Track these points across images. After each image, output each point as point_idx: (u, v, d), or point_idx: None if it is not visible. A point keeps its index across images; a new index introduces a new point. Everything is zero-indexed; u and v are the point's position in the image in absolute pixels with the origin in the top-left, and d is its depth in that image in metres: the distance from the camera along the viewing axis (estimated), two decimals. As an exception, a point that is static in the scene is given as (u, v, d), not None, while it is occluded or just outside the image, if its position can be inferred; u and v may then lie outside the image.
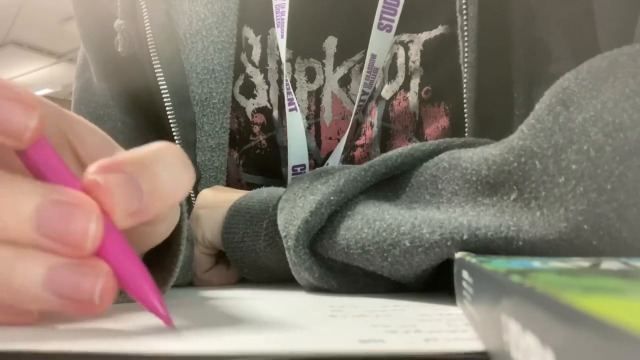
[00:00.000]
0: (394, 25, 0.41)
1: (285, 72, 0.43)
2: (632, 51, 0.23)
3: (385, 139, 0.42)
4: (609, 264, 0.16)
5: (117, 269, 0.17)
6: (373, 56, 0.41)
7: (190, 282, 0.37)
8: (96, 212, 0.16)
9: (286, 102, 0.43)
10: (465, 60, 0.36)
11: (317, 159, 0.44)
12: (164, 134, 0.43)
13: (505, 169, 0.23)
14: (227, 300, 0.27)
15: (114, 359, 0.15)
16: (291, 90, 0.43)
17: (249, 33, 0.45)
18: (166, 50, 0.42)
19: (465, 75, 0.37)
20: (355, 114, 0.42)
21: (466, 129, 0.37)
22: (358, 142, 0.43)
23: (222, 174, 0.45)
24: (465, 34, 0.36)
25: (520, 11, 0.37)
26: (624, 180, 0.20)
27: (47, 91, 4.58)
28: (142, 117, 0.47)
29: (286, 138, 0.44)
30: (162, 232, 0.24)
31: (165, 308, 0.18)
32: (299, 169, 0.43)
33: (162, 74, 0.42)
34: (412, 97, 0.40)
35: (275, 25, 0.43)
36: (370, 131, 0.42)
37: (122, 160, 0.17)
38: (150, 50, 0.42)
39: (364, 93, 0.42)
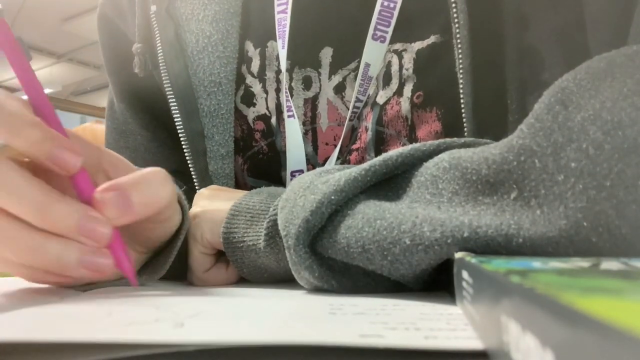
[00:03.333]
0: (388, 36, 0.43)
1: (284, 81, 0.45)
2: (629, 52, 0.23)
3: (380, 144, 0.43)
4: (608, 264, 0.16)
5: (112, 249, 0.28)
6: (367, 65, 0.43)
7: (184, 278, 0.38)
8: (110, 223, 0.27)
9: (284, 109, 0.45)
10: (460, 66, 0.37)
11: (315, 164, 0.45)
12: (177, 143, 0.47)
13: (505, 168, 0.23)
14: (227, 298, 0.27)
15: (117, 347, 0.15)
16: (290, 98, 0.45)
17: (249, 46, 0.48)
18: (174, 67, 0.46)
19: (461, 80, 0.37)
20: (350, 120, 0.44)
21: (465, 133, 0.38)
22: (354, 147, 0.44)
23: (232, 180, 0.47)
24: (459, 41, 0.37)
25: (513, 20, 0.37)
26: (622, 177, 0.20)
27: (47, 91, 4.58)
28: (159, 130, 0.53)
29: (284, 144, 0.45)
30: (170, 228, 0.34)
31: (133, 272, 0.29)
32: (297, 174, 0.45)
33: (170, 89, 0.46)
34: (405, 102, 0.42)
35: (277, 37, 0.46)
36: (365, 135, 0.43)
37: (119, 181, 0.28)
38: (161, 68, 0.46)
39: (357, 100, 0.43)
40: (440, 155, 0.28)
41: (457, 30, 0.37)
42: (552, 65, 0.37)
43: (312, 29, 0.45)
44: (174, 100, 0.46)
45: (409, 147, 0.29)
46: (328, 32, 0.45)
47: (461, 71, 0.37)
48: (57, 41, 4.13)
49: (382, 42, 0.43)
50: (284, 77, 0.45)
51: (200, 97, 0.46)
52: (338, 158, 0.44)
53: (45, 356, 0.16)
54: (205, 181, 0.46)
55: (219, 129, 0.46)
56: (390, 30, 0.42)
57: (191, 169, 0.46)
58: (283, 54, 0.45)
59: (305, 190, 0.29)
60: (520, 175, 0.23)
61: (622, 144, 0.20)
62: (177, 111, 0.46)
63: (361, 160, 0.43)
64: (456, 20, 0.37)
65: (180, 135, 0.46)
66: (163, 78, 0.46)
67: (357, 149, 0.43)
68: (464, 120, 0.38)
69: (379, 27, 0.42)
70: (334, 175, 0.29)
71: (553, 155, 0.22)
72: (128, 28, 0.51)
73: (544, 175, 0.22)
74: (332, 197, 0.28)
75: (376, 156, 0.41)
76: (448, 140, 0.29)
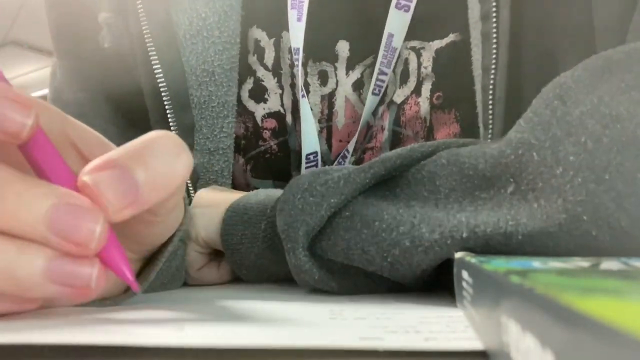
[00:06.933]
0: (412, 5, 0.40)
1: (300, 58, 0.42)
2: (626, 49, 0.23)
3: (396, 144, 0.42)
4: (608, 264, 0.16)
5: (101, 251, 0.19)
6: (390, 35, 0.41)
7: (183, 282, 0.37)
8: (102, 215, 0.18)
9: (299, 90, 0.42)
10: (494, 62, 0.37)
11: (327, 161, 0.44)
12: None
13: (502, 162, 0.24)
14: (227, 301, 0.27)
15: (115, 351, 0.15)
16: (301, 77, 0.42)
17: (260, 35, 0.43)
18: (166, 52, 0.41)
19: (492, 79, 0.37)
20: (373, 93, 0.41)
21: (490, 132, 0.37)
22: (368, 145, 0.43)
23: (226, 179, 0.44)
24: (494, 36, 0.36)
25: (532, 24, 0.37)
26: (621, 170, 0.20)
27: (47, 91, 4.57)
28: (128, 124, 0.45)
29: (299, 142, 0.43)
30: (171, 224, 0.25)
31: (133, 275, 0.20)
32: (311, 156, 0.42)
33: (162, 78, 0.41)
34: (424, 102, 0.41)
35: (290, 7, 0.41)
36: (382, 135, 0.42)
37: (116, 156, 0.18)
38: (150, 53, 0.41)
39: (381, 72, 0.41)
40: (439, 154, 0.28)
41: (494, 26, 0.36)
42: (567, 68, 0.36)
43: (327, 22, 0.43)
44: (166, 90, 0.41)
45: (407, 148, 0.29)
46: (344, 25, 0.43)
47: (493, 68, 0.37)
48: (57, 41, 4.13)
49: (406, 11, 0.40)
50: (300, 52, 0.41)
51: (191, 86, 0.41)
52: (352, 155, 0.43)
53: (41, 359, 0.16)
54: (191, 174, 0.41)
55: (207, 122, 0.42)
56: (415, 0, 0.40)
57: None
58: (300, 28, 0.41)
59: (303, 192, 0.29)
60: (518, 168, 0.23)
61: (621, 137, 0.20)
62: (170, 104, 0.41)
63: None
64: (495, 15, 0.36)
65: (172, 128, 0.41)
66: (154, 65, 0.40)
67: (371, 148, 0.43)
68: (491, 120, 0.37)
69: None
70: (333, 177, 0.29)
71: (551, 149, 0.22)
72: None
73: (542, 168, 0.22)
74: (332, 200, 0.27)
75: None
76: (447, 140, 0.29)
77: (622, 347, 0.07)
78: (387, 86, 0.42)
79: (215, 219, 0.35)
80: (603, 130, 0.21)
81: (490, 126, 0.37)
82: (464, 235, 0.23)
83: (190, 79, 0.42)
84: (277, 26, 0.43)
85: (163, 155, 0.19)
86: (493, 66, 0.37)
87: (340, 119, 0.43)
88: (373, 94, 0.41)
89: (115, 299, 0.25)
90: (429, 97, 0.41)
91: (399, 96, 0.42)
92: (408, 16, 0.41)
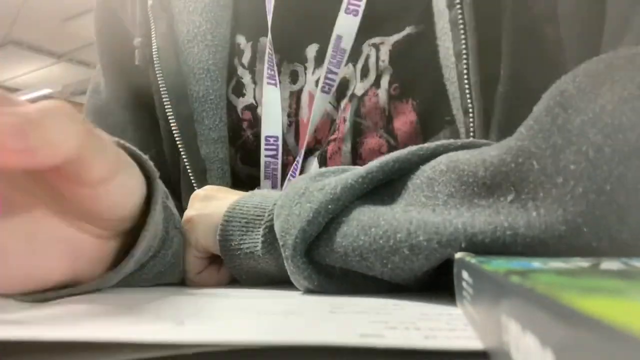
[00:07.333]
0: (360, 10, 0.44)
1: (268, 46, 0.47)
2: (628, 54, 0.23)
3: (357, 135, 0.44)
4: (608, 264, 0.16)
5: None
6: (339, 37, 0.44)
7: (182, 283, 0.37)
8: None
9: (265, 75, 0.47)
10: (464, 47, 0.38)
11: (295, 154, 0.47)
12: (157, 127, 0.49)
13: (503, 170, 0.23)
14: (227, 298, 0.27)
15: (115, 346, 0.15)
16: (274, 67, 0.47)
17: (241, 39, 0.50)
18: (165, 56, 0.48)
19: (465, 63, 0.38)
20: (322, 91, 0.45)
21: (471, 117, 0.38)
22: (332, 137, 0.45)
23: (227, 166, 0.48)
24: (461, 22, 0.38)
25: (507, 3, 0.38)
26: (623, 181, 0.20)
27: (47, 91, 4.58)
28: (140, 114, 0.53)
29: None
30: (124, 198, 0.26)
31: None
32: (271, 139, 0.46)
33: (161, 76, 0.47)
34: (382, 93, 0.43)
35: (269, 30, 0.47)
36: (343, 126, 0.44)
37: (9, 99, 0.20)
38: (154, 58, 0.48)
39: (329, 71, 0.45)
40: (438, 159, 0.27)
41: (460, 13, 0.38)
42: (521, 59, 0.38)
43: (296, 28, 0.47)
44: (164, 86, 0.47)
45: (405, 151, 0.28)
46: (313, 31, 0.47)
47: (465, 54, 0.38)
48: (57, 41, 4.13)
49: (355, 15, 0.44)
50: (268, 40, 0.46)
51: (190, 83, 0.48)
52: (317, 149, 0.46)
53: (39, 356, 0.16)
54: (199, 164, 0.47)
55: (208, 114, 0.48)
56: (363, 4, 0.44)
57: (183, 155, 0.47)
58: (269, 18, 0.47)
59: (300, 197, 0.29)
60: (518, 177, 0.23)
61: (623, 147, 0.20)
62: (167, 97, 0.47)
63: (337, 151, 0.45)
64: (459, 1, 0.38)
65: (170, 120, 0.47)
66: (156, 67, 0.47)
67: (334, 140, 0.45)
68: (470, 105, 0.38)
69: (351, 1, 0.44)
70: (330, 181, 0.29)
71: (552, 157, 0.21)
72: (127, 19, 0.53)
73: (542, 178, 0.22)
74: (329, 206, 0.27)
75: (352, 146, 0.44)
76: (445, 142, 0.29)
77: (622, 346, 0.07)
78: (348, 82, 0.45)
79: (213, 225, 0.35)
80: (605, 140, 0.20)
81: (471, 111, 0.38)
82: (463, 245, 0.23)
83: (189, 77, 0.48)
84: (256, 32, 0.49)
85: (55, 120, 0.20)
86: (464, 51, 0.38)
87: (305, 112, 0.47)
88: (322, 91, 0.45)
89: (90, 284, 0.26)
90: (387, 88, 0.43)
91: (359, 89, 0.44)
92: (357, 19, 0.44)
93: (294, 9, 0.47)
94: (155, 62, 0.48)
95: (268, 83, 0.47)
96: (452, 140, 0.29)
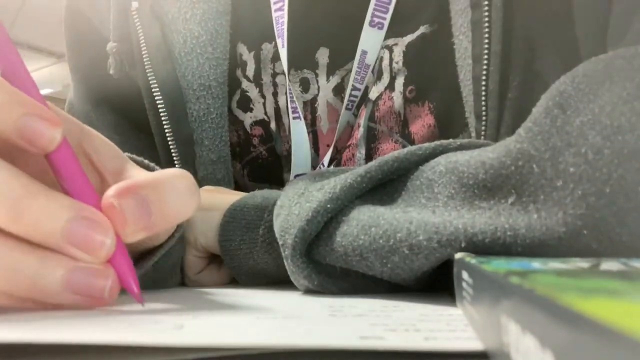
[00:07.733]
0: (386, 23, 0.42)
1: (287, 80, 0.44)
2: (627, 54, 0.23)
3: (371, 141, 0.43)
4: (608, 264, 0.16)
5: (113, 264, 0.21)
6: (364, 52, 0.42)
7: (181, 282, 0.37)
8: (112, 229, 0.21)
9: (289, 110, 0.44)
10: (486, 51, 0.36)
11: (316, 166, 0.45)
12: (151, 150, 0.45)
13: (503, 173, 0.23)
14: (227, 299, 0.27)
15: (116, 350, 0.15)
16: (294, 99, 0.44)
17: (242, 49, 0.46)
18: (162, 69, 0.44)
19: (485, 68, 0.36)
20: (347, 108, 0.43)
21: (484, 123, 0.37)
22: (347, 144, 0.44)
23: (228, 185, 0.46)
24: (486, 24, 0.36)
25: (518, 12, 0.37)
26: (622, 183, 0.19)
27: (47, 91, 4.57)
28: (132, 135, 0.49)
29: (286, 147, 0.45)
30: (163, 237, 0.29)
31: (138, 289, 0.22)
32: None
33: (159, 93, 0.44)
34: (397, 96, 0.42)
35: (276, 36, 0.44)
36: (357, 132, 0.43)
37: (138, 184, 0.22)
38: (147, 71, 0.43)
39: (354, 88, 0.43)
40: (436, 159, 0.27)
41: (486, 14, 0.36)
42: (544, 55, 0.37)
43: (307, 30, 0.44)
44: (162, 105, 0.43)
45: (404, 151, 0.28)
46: (323, 33, 0.44)
47: (485, 58, 0.36)
48: (57, 41, 4.13)
49: (380, 29, 0.42)
50: (286, 77, 0.44)
51: (189, 100, 0.44)
52: (335, 158, 0.44)
53: (38, 357, 0.16)
54: None
55: (208, 134, 0.45)
56: (388, 17, 0.42)
57: None
58: (284, 53, 0.44)
59: (299, 197, 0.29)
60: (519, 180, 0.22)
61: (622, 149, 0.20)
62: (167, 116, 0.44)
63: (352, 157, 0.43)
64: (486, 2, 0.36)
65: (169, 141, 0.44)
66: (150, 82, 0.44)
67: (349, 146, 0.43)
68: (484, 111, 0.37)
69: (376, 13, 0.42)
70: (329, 181, 0.29)
71: (551, 160, 0.21)
72: (102, 24, 0.48)
73: (542, 181, 0.22)
74: (328, 206, 0.27)
75: (367, 153, 0.42)
76: (444, 142, 0.29)
77: (621, 347, 0.07)
78: (366, 87, 0.43)
79: (213, 224, 0.35)
80: (604, 142, 0.20)
81: (484, 117, 0.37)
82: (463, 245, 0.23)
83: (187, 94, 0.44)
84: (258, 39, 0.46)
85: (177, 193, 0.23)
86: (485, 55, 0.36)
87: (324, 123, 0.45)
88: (346, 109, 0.43)
89: None
90: (402, 91, 0.41)
91: (373, 93, 0.43)
92: (382, 33, 0.42)
93: (300, 12, 0.45)
94: (149, 75, 0.43)
95: (294, 118, 0.44)
96: (451, 140, 0.29)
